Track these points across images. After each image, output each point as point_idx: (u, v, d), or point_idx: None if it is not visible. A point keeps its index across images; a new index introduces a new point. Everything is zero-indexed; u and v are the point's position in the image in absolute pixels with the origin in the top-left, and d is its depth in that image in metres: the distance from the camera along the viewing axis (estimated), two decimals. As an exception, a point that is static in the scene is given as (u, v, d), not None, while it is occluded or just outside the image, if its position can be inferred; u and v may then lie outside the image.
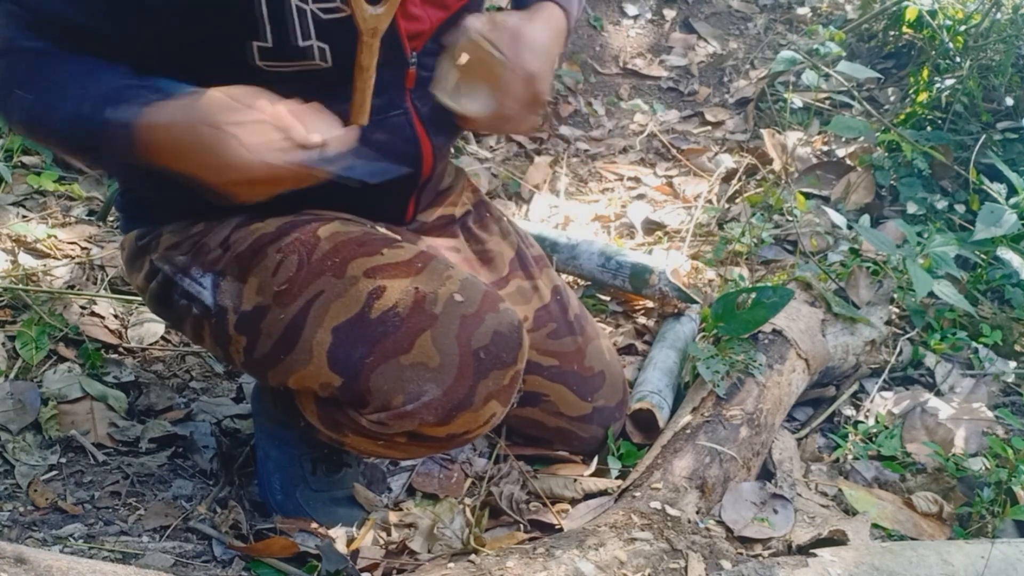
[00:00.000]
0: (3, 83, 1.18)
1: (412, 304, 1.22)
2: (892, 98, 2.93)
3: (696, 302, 1.97)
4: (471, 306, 1.23)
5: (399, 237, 1.38)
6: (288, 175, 1.12)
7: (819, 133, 2.84)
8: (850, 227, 2.16)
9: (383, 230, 1.40)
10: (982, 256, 2.08)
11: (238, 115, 1.09)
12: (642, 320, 2.08)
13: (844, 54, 2.70)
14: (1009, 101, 2.49)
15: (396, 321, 1.21)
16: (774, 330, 1.72)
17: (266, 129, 1.09)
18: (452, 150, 1.68)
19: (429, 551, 1.40)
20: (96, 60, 1.17)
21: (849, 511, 1.52)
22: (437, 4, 1.30)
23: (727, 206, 2.53)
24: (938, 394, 1.85)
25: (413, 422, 1.22)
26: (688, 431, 1.55)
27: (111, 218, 2.23)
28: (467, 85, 1.27)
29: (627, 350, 1.96)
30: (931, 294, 1.80)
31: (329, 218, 1.35)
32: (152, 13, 1.14)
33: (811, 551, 1.31)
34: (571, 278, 2.20)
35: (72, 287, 1.95)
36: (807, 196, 2.43)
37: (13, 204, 2.20)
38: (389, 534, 1.44)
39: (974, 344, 1.95)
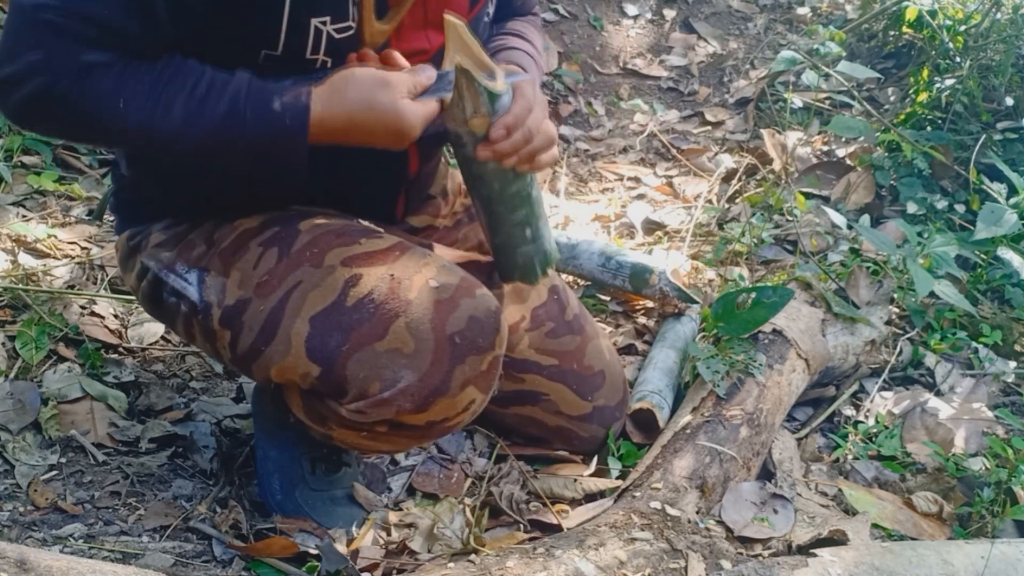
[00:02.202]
0: (101, 97, 1.13)
1: (387, 291, 1.22)
2: (892, 98, 2.93)
3: (696, 302, 1.97)
4: (446, 292, 1.23)
5: (380, 229, 1.39)
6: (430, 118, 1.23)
7: (819, 133, 2.84)
8: (850, 227, 2.16)
9: (365, 223, 1.40)
10: (982, 256, 2.08)
11: (395, 89, 1.20)
12: (642, 320, 2.08)
13: (844, 54, 2.70)
14: (1009, 101, 2.49)
15: (371, 308, 1.21)
16: (774, 330, 1.72)
17: (411, 93, 1.22)
18: (446, 151, 1.69)
19: (429, 551, 1.40)
20: (181, 62, 1.17)
21: (849, 511, 1.52)
22: (438, 27, 1.30)
23: (727, 206, 2.53)
24: (938, 394, 1.85)
25: (390, 409, 1.22)
26: (688, 431, 1.55)
27: (108, 218, 2.23)
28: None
29: (627, 350, 1.96)
30: (931, 294, 1.80)
31: (312, 212, 1.36)
32: (187, 22, 1.15)
33: (811, 551, 1.31)
34: (571, 278, 2.20)
35: (72, 287, 1.95)
36: (807, 196, 2.43)
37: (13, 204, 2.20)
38: (389, 534, 1.44)
39: (974, 344, 1.95)
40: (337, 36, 1.21)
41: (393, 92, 1.18)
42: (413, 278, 1.24)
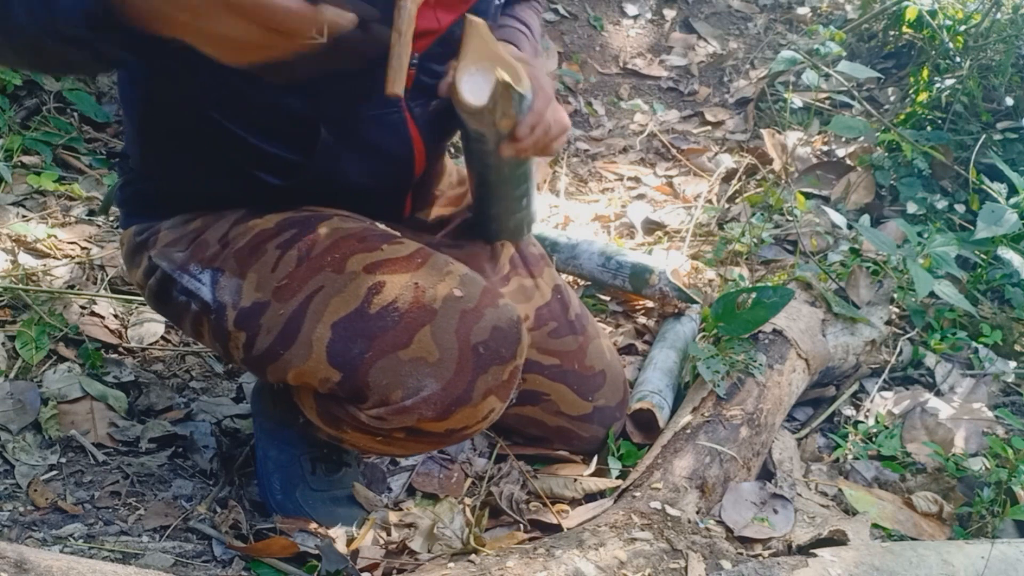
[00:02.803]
0: None
1: (411, 299, 1.22)
2: (892, 98, 2.93)
3: (696, 302, 1.97)
4: (470, 301, 1.23)
5: (398, 234, 1.39)
6: (284, 24, 0.91)
7: (819, 133, 2.84)
8: (850, 227, 2.16)
9: (383, 227, 1.40)
10: (982, 256, 2.08)
11: None
12: (642, 320, 2.08)
13: (844, 54, 2.71)
14: (1009, 101, 2.49)
15: (395, 316, 1.21)
16: (774, 330, 1.72)
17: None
18: (451, 150, 1.70)
19: (429, 551, 1.40)
20: None
21: (849, 511, 1.52)
22: (448, 6, 1.30)
23: (727, 206, 2.53)
24: (938, 394, 1.85)
25: (412, 417, 1.22)
26: (688, 431, 1.55)
27: (110, 217, 2.23)
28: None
29: (627, 350, 1.96)
30: (931, 294, 1.80)
31: (328, 215, 1.36)
32: None
33: (811, 551, 1.31)
34: (571, 278, 2.20)
35: (72, 287, 1.95)
36: (807, 196, 2.43)
37: (13, 204, 2.20)
38: (389, 534, 1.44)
39: (974, 344, 1.95)
40: None
41: None
42: (437, 287, 1.23)
